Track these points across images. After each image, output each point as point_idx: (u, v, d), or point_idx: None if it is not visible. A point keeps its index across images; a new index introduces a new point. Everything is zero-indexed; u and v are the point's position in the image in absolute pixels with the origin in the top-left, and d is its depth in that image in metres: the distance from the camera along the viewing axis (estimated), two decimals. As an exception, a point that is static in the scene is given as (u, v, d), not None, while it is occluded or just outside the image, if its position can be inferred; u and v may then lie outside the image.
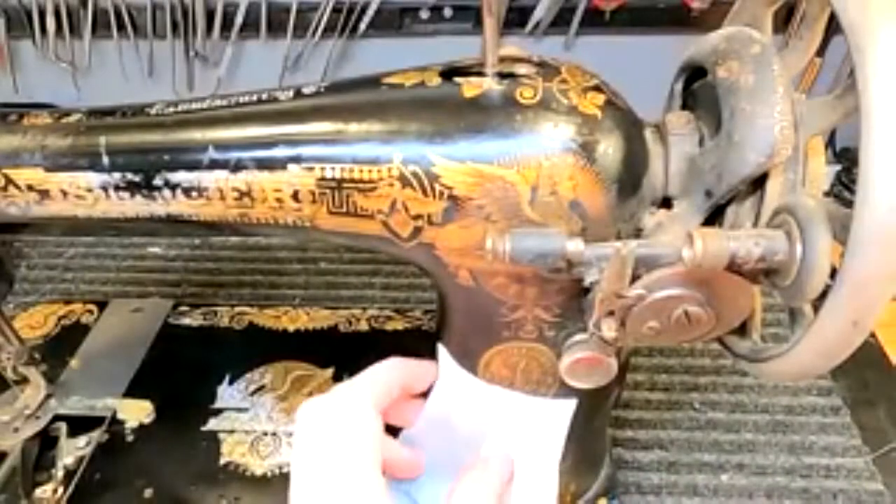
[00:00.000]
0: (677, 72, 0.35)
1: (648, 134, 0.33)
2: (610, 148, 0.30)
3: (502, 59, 0.31)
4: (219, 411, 0.52)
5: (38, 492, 0.47)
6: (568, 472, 0.40)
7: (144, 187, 0.34)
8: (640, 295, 0.29)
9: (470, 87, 0.31)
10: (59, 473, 0.48)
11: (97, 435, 0.50)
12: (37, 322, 0.60)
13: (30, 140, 0.35)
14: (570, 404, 0.37)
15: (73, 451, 0.49)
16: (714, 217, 0.32)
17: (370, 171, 0.31)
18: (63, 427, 0.50)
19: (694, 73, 0.34)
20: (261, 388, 0.53)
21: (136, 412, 0.52)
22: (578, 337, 0.34)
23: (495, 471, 0.36)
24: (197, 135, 0.33)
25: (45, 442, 0.50)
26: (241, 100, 0.34)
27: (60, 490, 0.47)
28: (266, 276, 0.71)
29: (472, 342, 0.37)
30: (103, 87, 0.80)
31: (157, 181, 0.33)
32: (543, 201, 0.29)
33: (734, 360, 0.34)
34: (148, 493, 0.47)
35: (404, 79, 0.32)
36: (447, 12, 0.75)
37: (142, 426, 0.51)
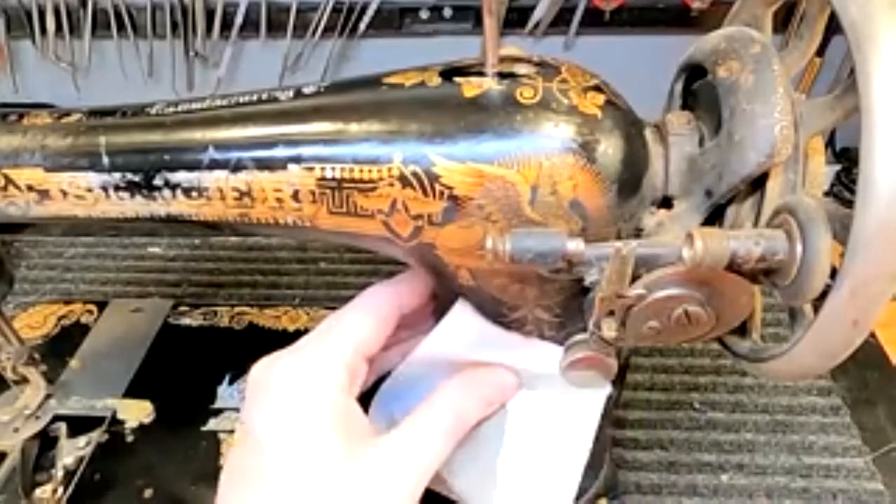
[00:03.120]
0: (677, 72, 0.35)
1: (648, 134, 0.33)
2: (610, 148, 0.30)
3: (502, 59, 0.31)
4: (219, 411, 0.52)
5: (38, 492, 0.47)
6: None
7: (144, 187, 0.34)
8: (640, 295, 0.29)
9: (470, 87, 0.31)
10: (59, 473, 0.48)
11: (97, 435, 0.50)
12: (37, 322, 0.60)
13: (30, 140, 0.35)
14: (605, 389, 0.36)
15: (72, 451, 0.49)
16: (714, 217, 0.32)
17: (370, 171, 0.31)
18: (63, 427, 0.50)
19: (694, 73, 0.34)
20: (261, 388, 0.53)
21: (136, 412, 0.52)
22: (578, 337, 0.34)
23: (487, 382, 0.34)
24: (197, 135, 0.33)
25: (45, 442, 0.50)
26: (241, 100, 0.34)
27: (60, 490, 0.47)
28: (266, 276, 0.71)
29: (472, 342, 0.37)
30: (103, 87, 0.80)
31: (157, 181, 0.33)
32: (544, 201, 0.29)
33: (734, 360, 0.34)
34: (148, 493, 0.47)
35: (404, 79, 0.32)
36: (447, 12, 0.75)
37: (142, 426, 0.51)
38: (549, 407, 0.36)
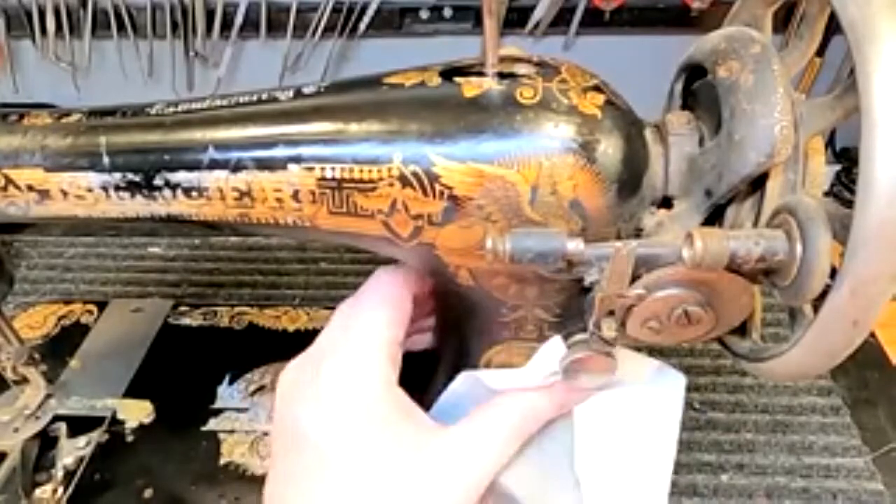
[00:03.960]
0: (677, 72, 0.35)
1: (648, 134, 0.33)
2: (610, 148, 0.30)
3: (502, 59, 0.31)
4: (219, 411, 0.52)
5: (38, 492, 0.47)
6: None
7: (144, 187, 0.34)
8: (640, 295, 0.29)
9: (470, 87, 0.31)
10: (59, 473, 0.48)
11: (97, 435, 0.50)
12: (37, 322, 0.60)
13: (30, 140, 0.35)
14: (681, 381, 0.36)
15: (72, 451, 0.49)
16: (714, 217, 0.32)
17: (370, 171, 0.31)
18: (63, 427, 0.50)
19: (694, 73, 0.34)
20: (261, 388, 0.53)
21: (136, 412, 0.52)
22: (578, 337, 0.34)
23: (515, 406, 0.33)
24: (197, 135, 0.33)
25: (45, 442, 0.50)
26: (241, 100, 0.34)
27: (60, 490, 0.47)
28: (266, 276, 0.71)
29: (472, 342, 0.37)
30: (103, 87, 0.80)
31: (158, 181, 0.33)
32: (544, 201, 0.29)
33: (734, 360, 0.34)
34: (148, 493, 0.46)
35: (404, 79, 0.32)
36: (447, 12, 0.75)
37: (142, 426, 0.51)
38: (622, 406, 0.35)
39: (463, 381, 0.36)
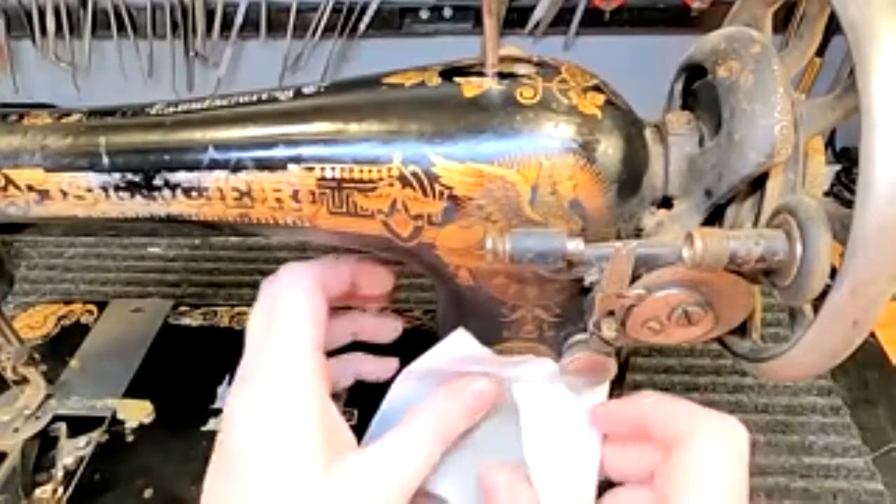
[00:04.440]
0: (677, 72, 0.35)
1: (648, 134, 0.33)
2: (610, 148, 0.30)
3: (502, 59, 0.31)
4: (219, 411, 0.51)
5: (38, 492, 0.47)
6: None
7: (144, 187, 0.34)
8: (640, 295, 0.29)
9: (470, 87, 0.31)
10: (59, 473, 0.48)
11: (97, 435, 0.50)
12: (37, 322, 0.60)
13: (30, 140, 0.35)
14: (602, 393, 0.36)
15: (72, 451, 0.49)
16: (714, 217, 0.32)
17: (370, 171, 0.31)
18: (63, 427, 0.50)
19: (694, 73, 0.34)
20: (261, 388, 0.53)
21: (136, 412, 0.51)
22: (578, 337, 0.34)
23: (467, 391, 0.34)
24: (197, 135, 0.33)
25: (45, 442, 0.50)
26: (241, 100, 0.34)
27: (60, 490, 0.47)
28: (266, 276, 0.71)
29: (472, 342, 0.37)
30: (103, 87, 0.80)
31: (157, 181, 0.33)
32: (544, 201, 0.29)
33: (734, 360, 0.34)
34: (148, 493, 0.46)
35: (404, 79, 0.32)
36: (447, 12, 0.75)
37: (142, 426, 0.51)
38: (556, 402, 0.36)
39: (399, 383, 0.37)
